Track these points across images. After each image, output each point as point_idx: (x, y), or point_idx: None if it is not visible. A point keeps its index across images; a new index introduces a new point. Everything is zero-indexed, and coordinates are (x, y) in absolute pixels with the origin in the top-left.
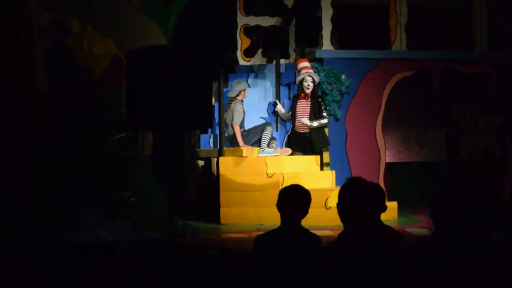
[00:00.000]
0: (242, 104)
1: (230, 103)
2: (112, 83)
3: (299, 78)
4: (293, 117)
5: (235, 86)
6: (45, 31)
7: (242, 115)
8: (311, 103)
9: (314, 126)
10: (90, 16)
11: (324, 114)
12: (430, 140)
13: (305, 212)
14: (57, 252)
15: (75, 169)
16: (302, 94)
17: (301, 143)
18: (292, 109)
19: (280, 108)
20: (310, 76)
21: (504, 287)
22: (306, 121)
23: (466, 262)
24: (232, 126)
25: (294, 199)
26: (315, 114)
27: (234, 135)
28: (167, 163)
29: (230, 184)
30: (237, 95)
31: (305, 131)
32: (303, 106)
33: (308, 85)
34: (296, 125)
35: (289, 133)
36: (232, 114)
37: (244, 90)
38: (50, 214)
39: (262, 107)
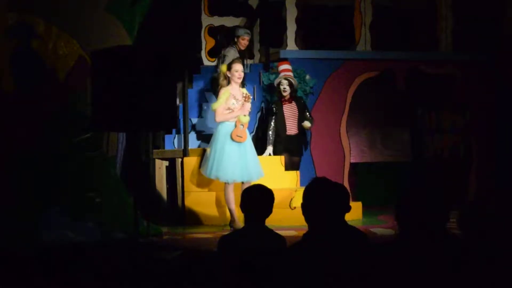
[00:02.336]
0: None
1: None
2: (77, 83)
3: (276, 81)
4: (281, 122)
5: None
6: (11, 32)
7: None
8: (297, 106)
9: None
10: (55, 17)
11: (308, 114)
12: (395, 141)
13: (268, 212)
14: (22, 254)
15: (40, 169)
16: (283, 99)
17: (289, 144)
18: (279, 114)
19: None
20: (286, 79)
21: (468, 286)
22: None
23: (430, 262)
24: None
25: (257, 199)
26: (301, 116)
27: None
28: (132, 164)
29: (194, 184)
30: None
31: (295, 133)
32: (291, 110)
33: (285, 88)
34: (286, 128)
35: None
36: None
37: None
38: (15, 215)
39: None
